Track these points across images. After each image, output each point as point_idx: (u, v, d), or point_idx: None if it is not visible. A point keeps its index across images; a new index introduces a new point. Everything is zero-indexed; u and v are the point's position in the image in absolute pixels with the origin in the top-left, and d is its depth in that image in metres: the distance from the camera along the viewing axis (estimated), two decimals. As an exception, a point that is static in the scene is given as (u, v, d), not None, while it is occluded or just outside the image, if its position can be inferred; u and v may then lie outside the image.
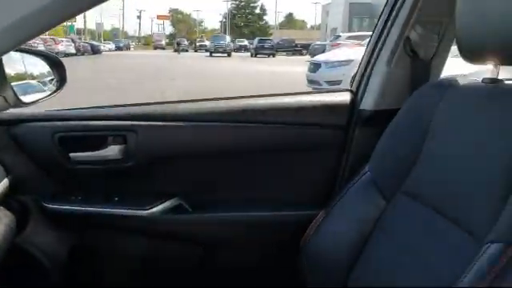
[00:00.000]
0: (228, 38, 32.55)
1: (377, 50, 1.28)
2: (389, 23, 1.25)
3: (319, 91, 1.31)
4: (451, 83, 1.03)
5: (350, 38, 15.74)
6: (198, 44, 36.34)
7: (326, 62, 8.69)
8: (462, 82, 1.03)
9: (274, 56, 26.03)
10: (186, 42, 38.81)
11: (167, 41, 49.17)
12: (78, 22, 40.87)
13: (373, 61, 1.29)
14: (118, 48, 38.06)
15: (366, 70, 1.31)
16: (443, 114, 0.99)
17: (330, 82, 7.96)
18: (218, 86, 8.28)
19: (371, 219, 1.07)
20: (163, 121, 1.25)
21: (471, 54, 0.94)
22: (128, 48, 42.50)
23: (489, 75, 0.97)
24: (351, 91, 1.35)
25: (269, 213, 1.32)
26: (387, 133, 1.13)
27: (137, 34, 65.05)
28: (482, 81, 0.98)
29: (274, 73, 12.54)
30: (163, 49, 41.85)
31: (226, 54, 27.68)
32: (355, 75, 1.36)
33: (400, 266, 0.95)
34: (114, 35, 55.22)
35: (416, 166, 1.03)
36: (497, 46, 0.88)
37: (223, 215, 1.30)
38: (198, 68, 17.18)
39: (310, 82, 8.87)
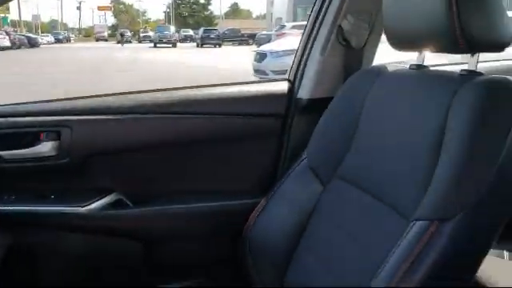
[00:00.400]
0: (172, 29, 31.95)
1: (311, 39, 1.31)
2: (322, 12, 1.28)
3: (258, 81, 1.32)
4: (381, 70, 1.07)
5: (294, 27, 15.82)
6: (141, 35, 35.46)
7: (272, 52, 8.73)
8: (390, 68, 1.07)
9: (220, 46, 25.85)
10: (129, 33, 37.81)
11: (109, 32, 47.72)
12: (12, 13, 38.89)
13: (308, 50, 1.32)
14: (58, 40, 36.50)
15: (301, 59, 1.34)
16: (374, 100, 1.04)
17: (275, 72, 7.98)
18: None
19: (310, 204, 1.10)
20: (99, 114, 1.23)
21: (398, 42, 0.98)
22: (68, 40, 40.88)
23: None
24: (289, 80, 1.38)
25: (212, 203, 1.32)
26: (322, 120, 1.16)
27: (77, 26, 62.70)
28: (410, 67, 1.03)
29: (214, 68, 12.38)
30: (106, 40, 40.64)
31: (170, 45, 27.22)
32: (292, 64, 1.39)
33: (336, 247, 0.99)
34: (52, 27, 52.91)
35: (350, 150, 1.07)
36: (421, 35, 0.92)
37: (165, 208, 1.29)
38: (144, 59, 16.90)
39: (256, 71, 8.89)
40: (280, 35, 14.63)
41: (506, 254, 1.36)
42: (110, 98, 1.27)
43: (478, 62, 0.90)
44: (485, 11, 0.83)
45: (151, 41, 29.86)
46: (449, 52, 0.90)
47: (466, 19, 0.81)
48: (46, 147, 1.19)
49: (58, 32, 44.02)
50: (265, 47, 9.80)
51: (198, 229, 1.32)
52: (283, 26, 18.33)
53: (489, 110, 0.77)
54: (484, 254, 0.78)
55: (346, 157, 1.07)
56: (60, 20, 59.01)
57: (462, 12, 0.81)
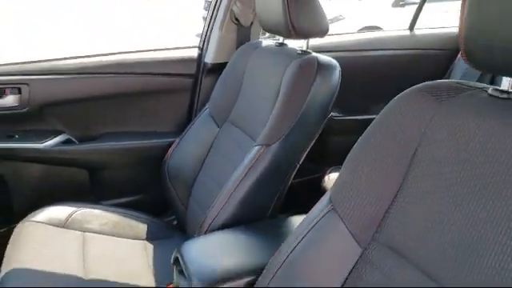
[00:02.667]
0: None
1: (213, 19, 1.73)
2: (218, 1, 1.70)
3: (176, 47, 1.75)
4: (258, 44, 1.51)
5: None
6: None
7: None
8: (264, 43, 1.51)
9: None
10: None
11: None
12: None
13: (211, 26, 1.74)
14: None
15: (206, 33, 1.77)
16: (251, 66, 1.48)
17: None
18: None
19: (209, 142, 1.55)
20: (49, 75, 1.61)
21: (266, 27, 1.43)
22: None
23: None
24: (199, 47, 1.80)
25: (140, 141, 1.76)
26: (220, 79, 1.60)
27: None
28: (275, 44, 1.48)
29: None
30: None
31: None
32: (201, 36, 1.81)
33: (221, 170, 1.43)
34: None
35: (236, 102, 1.52)
36: (274, 24, 1.35)
37: (103, 144, 1.72)
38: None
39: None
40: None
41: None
42: (58, 62, 1.65)
43: (308, 44, 1.35)
44: (308, 11, 1.28)
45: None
46: (289, 38, 1.35)
47: (295, 17, 1.26)
48: (10, 100, 1.58)
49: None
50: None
51: (130, 160, 1.76)
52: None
53: (298, 79, 1.23)
54: (293, 170, 1.26)
55: (234, 107, 1.52)
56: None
57: (292, 12, 1.26)
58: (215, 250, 1.05)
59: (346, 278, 0.81)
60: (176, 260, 1.04)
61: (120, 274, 1.27)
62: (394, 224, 0.77)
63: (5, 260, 1.27)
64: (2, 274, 1.22)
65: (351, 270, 0.81)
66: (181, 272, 1.01)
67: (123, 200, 1.79)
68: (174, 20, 7.37)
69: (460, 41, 0.70)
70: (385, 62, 2.00)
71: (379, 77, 1.95)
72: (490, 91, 0.73)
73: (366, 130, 0.85)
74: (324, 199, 0.88)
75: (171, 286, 1.14)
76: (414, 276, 0.72)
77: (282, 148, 1.20)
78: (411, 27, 2.05)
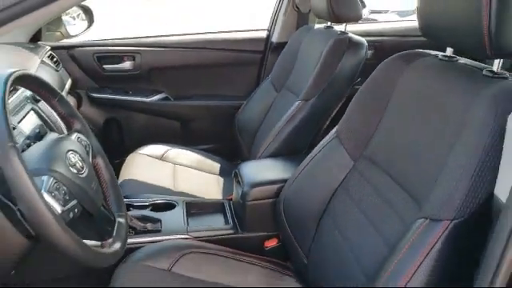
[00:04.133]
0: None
1: (279, 7, 2.17)
2: None
3: (248, 29, 2.25)
4: (310, 27, 1.93)
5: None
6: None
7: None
8: (316, 27, 1.92)
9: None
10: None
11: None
12: None
13: (277, 13, 2.19)
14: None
15: (273, 18, 2.22)
16: (304, 44, 1.89)
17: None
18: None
19: (269, 103, 1.97)
20: (156, 47, 2.16)
21: (316, 11, 1.83)
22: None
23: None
24: (267, 30, 2.26)
25: (219, 101, 2.27)
26: (280, 55, 2.04)
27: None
28: (324, 27, 1.88)
29: None
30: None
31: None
32: (270, 19, 2.26)
33: (276, 121, 1.86)
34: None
35: (291, 74, 1.93)
36: (324, 9, 1.75)
37: (191, 102, 2.26)
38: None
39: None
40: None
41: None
42: (161, 38, 2.20)
43: (345, 27, 1.73)
44: (345, 0, 1.67)
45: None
46: (332, 22, 1.75)
47: (335, 5, 1.65)
48: (127, 64, 2.16)
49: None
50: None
51: (210, 115, 2.28)
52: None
53: (332, 52, 1.62)
54: (324, 121, 1.67)
55: (289, 76, 1.95)
56: None
57: (332, 0, 1.65)
58: (260, 168, 1.52)
59: (342, 181, 1.21)
60: (235, 175, 1.51)
61: (198, 192, 1.76)
62: (375, 144, 1.15)
63: (120, 176, 1.82)
64: (119, 182, 1.76)
65: (345, 176, 1.21)
66: (237, 182, 1.48)
67: (204, 146, 2.30)
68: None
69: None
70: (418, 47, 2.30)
71: None
72: (439, 56, 1.10)
73: (364, 82, 1.23)
74: (332, 131, 1.28)
75: (231, 196, 1.62)
76: (381, 177, 1.09)
77: (316, 103, 1.62)
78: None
